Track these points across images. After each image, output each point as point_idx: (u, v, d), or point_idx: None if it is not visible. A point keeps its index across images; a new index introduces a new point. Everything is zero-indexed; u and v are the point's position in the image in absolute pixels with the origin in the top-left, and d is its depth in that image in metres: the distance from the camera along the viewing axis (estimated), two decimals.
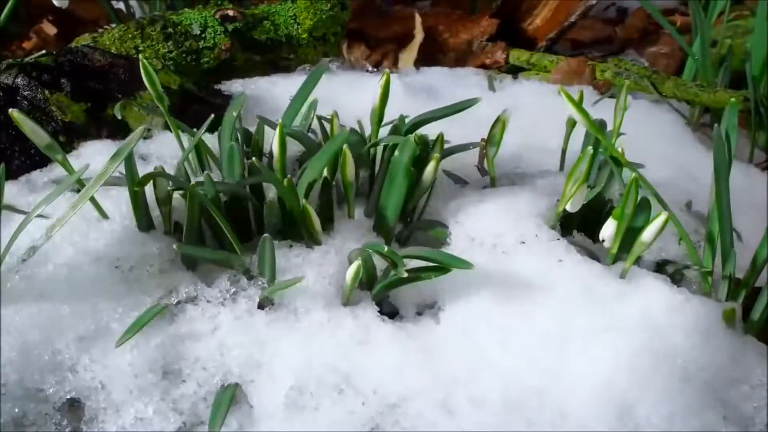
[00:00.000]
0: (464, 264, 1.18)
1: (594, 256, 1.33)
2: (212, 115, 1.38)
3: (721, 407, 1.12)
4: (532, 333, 1.18)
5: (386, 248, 1.18)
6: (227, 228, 1.27)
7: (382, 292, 1.24)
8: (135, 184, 1.28)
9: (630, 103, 1.43)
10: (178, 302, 1.25)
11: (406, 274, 1.16)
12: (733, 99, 1.34)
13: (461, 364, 1.17)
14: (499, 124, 1.44)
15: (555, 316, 1.19)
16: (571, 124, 1.52)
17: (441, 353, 1.19)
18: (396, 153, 1.33)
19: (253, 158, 1.34)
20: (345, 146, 1.30)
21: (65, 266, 1.25)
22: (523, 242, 1.32)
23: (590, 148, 1.27)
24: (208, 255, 1.29)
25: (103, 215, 1.32)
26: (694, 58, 2.13)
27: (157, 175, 1.30)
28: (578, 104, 1.18)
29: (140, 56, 1.34)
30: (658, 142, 1.77)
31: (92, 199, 1.29)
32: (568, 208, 1.29)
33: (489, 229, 1.35)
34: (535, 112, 1.77)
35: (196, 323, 1.23)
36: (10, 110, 1.20)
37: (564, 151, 1.53)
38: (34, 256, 1.23)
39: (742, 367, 1.16)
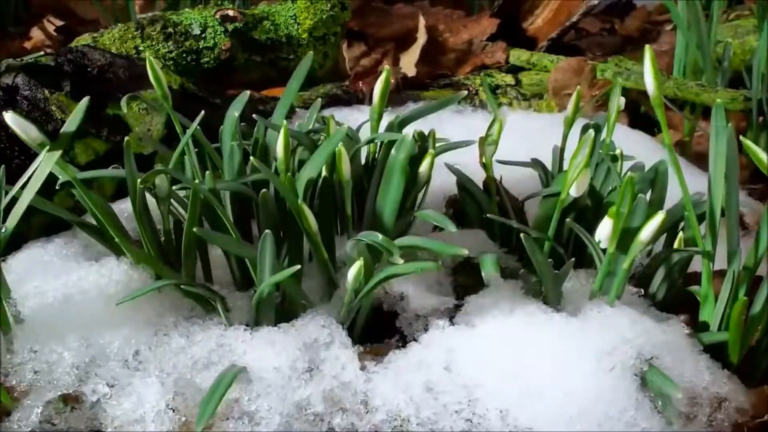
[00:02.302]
0: (457, 250, 1.19)
1: None
2: (202, 112, 1.38)
3: None
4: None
5: (380, 236, 1.20)
6: (229, 223, 1.27)
7: (376, 287, 1.24)
8: (135, 181, 1.28)
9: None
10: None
11: (401, 261, 1.17)
12: (719, 99, 1.33)
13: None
14: (496, 123, 1.44)
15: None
16: (569, 124, 1.51)
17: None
18: (392, 152, 1.33)
19: (252, 158, 1.34)
20: (340, 145, 1.30)
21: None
22: None
23: (591, 131, 1.26)
24: (220, 241, 1.29)
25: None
26: (687, 42, 2.11)
27: (159, 172, 1.30)
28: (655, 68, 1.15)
29: (147, 54, 1.35)
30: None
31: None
32: (572, 192, 1.29)
33: None
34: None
35: (195, 337, 1.27)
36: (3, 112, 1.21)
37: (562, 150, 1.53)
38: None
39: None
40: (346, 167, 1.32)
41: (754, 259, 1.25)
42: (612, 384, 1.16)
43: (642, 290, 1.37)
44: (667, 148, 1.22)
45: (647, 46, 1.16)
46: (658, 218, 1.18)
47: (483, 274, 1.30)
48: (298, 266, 1.22)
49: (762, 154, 1.15)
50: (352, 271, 1.19)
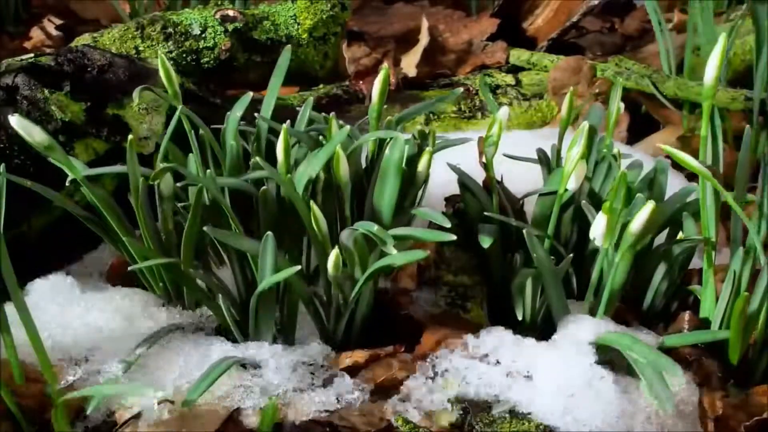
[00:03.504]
0: (443, 237, 1.22)
1: None
2: (180, 106, 1.37)
3: None
4: None
5: (376, 226, 1.21)
6: (232, 218, 1.27)
7: (371, 278, 1.26)
8: (136, 179, 1.29)
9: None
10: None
11: (395, 251, 1.18)
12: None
13: None
14: (496, 123, 1.44)
15: None
16: (564, 124, 1.51)
17: None
18: (387, 151, 1.33)
19: (258, 158, 1.34)
20: (338, 147, 1.30)
21: None
22: None
23: (586, 123, 1.26)
24: (222, 235, 1.29)
25: None
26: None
27: (167, 169, 1.30)
28: None
29: (159, 52, 1.37)
30: None
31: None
32: (569, 186, 1.29)
33: None
34: None
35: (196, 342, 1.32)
36: (9, 116, 1.21)
37: (559, 151, 1.53)
38: None
39: None
40: (344, 169, 1.32)
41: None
42: (607, 384, 1.19)
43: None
44: (701, 140, 1.22)
45: (723, 34, 1.15)
46: (648, 208, 1.18)
47: (482, 245, 1.33)
48: (298, 267, 1.22)
49: (690, 160, 1.17)
50: (331, 259, 1.20)
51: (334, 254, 1.20)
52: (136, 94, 1.40)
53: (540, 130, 2.13)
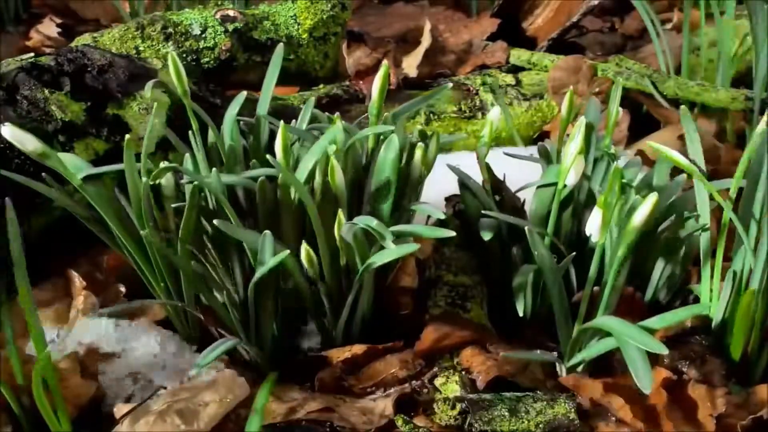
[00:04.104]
0: (441, 233, 1.24)
1: None
2: (168, 101, 1.37)
3: None
4: None
5: (375, 221, 1.22)
6: (232, 214, 1.28)
7: (366, 272, 1.26)
8: (134, 179, 1.28)
9: None
10: None
11: (393, 246, 1.19)
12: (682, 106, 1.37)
13: None
14: (488, 125, 1.44)
15: None
16: (564, 124, 1.51)
17: None
18: (381, 152, 1.33)
19: (268, 156, 1.34)
20: (331, 155, 1.29)
21: None
22: None
23: (583, 118, 1.26)
24: (222, 225, 1.28)
25: None
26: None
27: (169, 168, 1.30)
28: None
29: (170, 51, 1.36)
30: None
31: None
32: (568, 182, 1.28)
33: None
34: None
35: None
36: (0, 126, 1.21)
37: (558, 152, 1.53)
38: None
39: None
40: (339, 178, 1.31)
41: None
42: None
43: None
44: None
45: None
46: (651, 200, 1.16)
47: (483, 238, 1.35)
48: (287, 252, 1.21)
49: (679, 157, 1.24)
50: (302, 253, 1.22)
51: (304, 248, 1.21)
52: (148, 87, 1.39)
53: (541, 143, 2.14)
